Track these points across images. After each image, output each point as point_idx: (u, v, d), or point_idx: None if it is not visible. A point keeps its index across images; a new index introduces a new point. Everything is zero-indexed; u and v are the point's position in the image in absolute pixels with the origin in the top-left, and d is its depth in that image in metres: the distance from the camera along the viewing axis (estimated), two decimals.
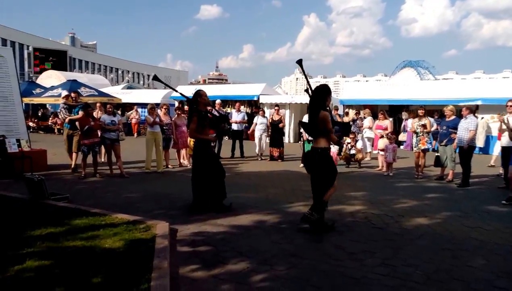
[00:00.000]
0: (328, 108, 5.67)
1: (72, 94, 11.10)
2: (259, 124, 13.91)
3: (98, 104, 11.22)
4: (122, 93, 27.66)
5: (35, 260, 4.19)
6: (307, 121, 5.95)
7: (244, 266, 4.39)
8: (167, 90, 27.12)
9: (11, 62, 11.16)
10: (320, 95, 5.60)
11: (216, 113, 7.79)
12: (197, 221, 6.12)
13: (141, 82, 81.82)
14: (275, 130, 13.37)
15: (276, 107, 14.24)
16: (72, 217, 5.93)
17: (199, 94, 6.80)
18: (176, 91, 7.92)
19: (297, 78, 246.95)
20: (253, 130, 14.09)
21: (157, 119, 10.79)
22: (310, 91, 5.82)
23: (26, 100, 23.59)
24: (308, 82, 6.22)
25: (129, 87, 33.42)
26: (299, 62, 6.16)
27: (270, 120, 13.66)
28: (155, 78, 7.49)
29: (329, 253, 4.87)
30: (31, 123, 24.56)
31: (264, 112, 14.98)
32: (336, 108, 14.49)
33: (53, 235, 5.09)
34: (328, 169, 5.65)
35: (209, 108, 7.28)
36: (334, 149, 11.24)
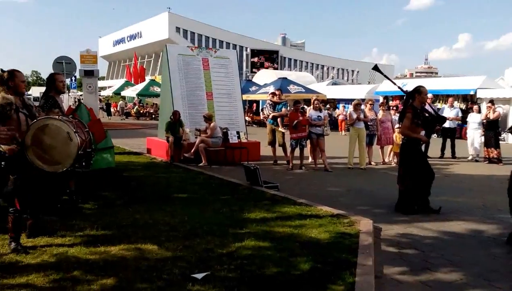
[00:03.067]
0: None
1: (276, 92, 11.85)
2: (471, 122, 12.50)
3: (314, 100, 11.19)
4: (327, 90, 28.45)
5: (252, 239, 4.69)
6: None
7: (457, 277, 4.01)
8: (371, 86, 26.75)
9: (235, 63, 12.69)
10: None
11: (432, 111, 7.19)
12: (402, 222, 5.88)
13: (345, 78, 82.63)
14: (490, 129, 11.78)
15: (489, 104, 12.44)
16: (282, 205, 6.42)
17: (418, 90, 6.42)
18: (395, 84, 7.69)
19: None
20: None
21: (361, 116, 10.73)
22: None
23: (244, 96, 26.41)
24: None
25: (334, 84, 34.15)
26: (375, 68, 5.61)
27: (484, 118, 12.11)
28: (376, 68, 7.38)
29: None
30: (247, 118, 27.42)
31: (479, 108, 13.34)
32: None
33: (265, 219, 5.60)
34: None
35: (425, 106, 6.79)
36: None
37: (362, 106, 11.53)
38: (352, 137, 10.80)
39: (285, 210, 6.15)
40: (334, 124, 24.13)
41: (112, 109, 38.38)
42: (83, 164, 4.25)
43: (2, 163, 4.04)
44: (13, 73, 4.16)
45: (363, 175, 9.98)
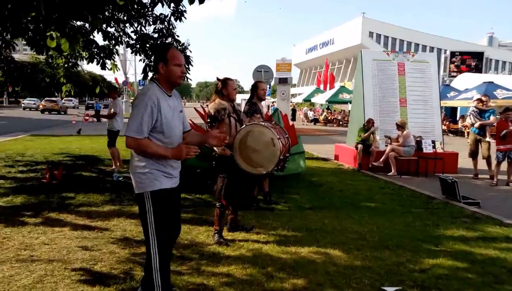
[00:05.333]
0: None
1: (483, 98, 10.54)
2: None
3: None
4: None
5: (448, 258, 4.31)
6: None
7: None
8: None
9: (434, 67, 11.84)
10: None
11: None
12: None
13: None
14: None
15: None
16: (484, 224, 5.76)
17: None
18: None
19: None
20: None
21: None
22: None
23: (441, 103, 24.46)
24: None
25: None
26: None
27: None
28: None
29: None
30: (443, 126, 25.33)
31: None
32: None
33: (464, 238, 5.08)
34: None
35: None
36: None
37: None
38: None
39: (489, 230, 5.48)
40: None
41: (301, 116, 40.25)
42: (279, 167, 4.52)
43: (213, 162, 4.60)
44: (226, 81, 4.66)
45: None
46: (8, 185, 7.23)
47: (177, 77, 2.84)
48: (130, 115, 2.70)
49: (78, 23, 8.32)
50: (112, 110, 8.88)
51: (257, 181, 6.19)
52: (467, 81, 29.27)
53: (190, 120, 5.11)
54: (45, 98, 44.02)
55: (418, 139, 10.28)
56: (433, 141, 10.33)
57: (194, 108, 6.48)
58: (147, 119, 2.67)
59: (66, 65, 11.32)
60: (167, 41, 9.26)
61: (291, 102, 37.04)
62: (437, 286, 3.64)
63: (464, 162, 10.96)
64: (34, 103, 47.41)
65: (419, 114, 11.29)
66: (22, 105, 49.35)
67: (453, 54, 39.14)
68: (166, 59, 2.78)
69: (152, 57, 9.57)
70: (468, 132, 23.60)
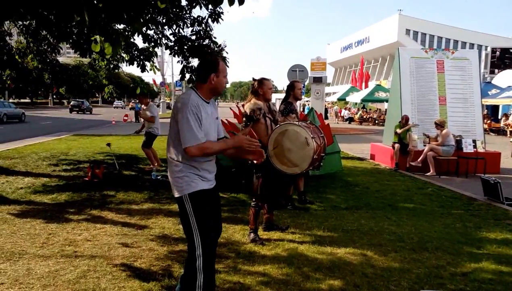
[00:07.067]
0: None
1: None
2: None
3: None
4: None
5: (491, 262, 4.18)
6: None
7: None
8: None
9: (476, 64, 11.43)
10: None
11: None
12: None
13: None
14: None
15: None
16: None
17: None
18: None
19: None
20: None
21: None
22: None
23: (482, 101, 23.65)
24: None
25: None
26: None
27: None
28: None
29: None
30: (484, 125, 24.48)
31: None
32: None
33: (509, 242, 4.91)
34: None
35: None
36: None
37: None
38: None
39: None
40: None
41: (333, 115, 40.02)
42: (315, 166, 4.50)
43: (249, 162, 4.62)
44: (262, 81, 4.67)
45: None
46: (53, 183, 7.53)
47: (223, 88, 2.97)
48: (181, 128, 2.71)
49: (120, 26, 8.55)
50: (149, 113, 8.92)
51: (292, 181, 6.18)
52: (509, 78, 28.12)
53: (226, 119, 5.15)
54: (132, 100, 57.62)
55: (458, 138, 9.98)
56: (474, 141, 10.00)
57: (230, 108, 6.53)
58: (198, 124, 2.71)
59: (108, 67, 11.65)
60: (204, 43, 9.36)
61: (325, 101, 36.73)
62: (481, 290, 3.54)
63: (507, 161, 10.58)
64: (121, 104, 68.53)
65: (459, 113, 10.96)
66: (114, 104, 68.37)
67: (494, 50, 37.58)
68: (218, 70, 2.85)
69: (192, 60, 9.69)
70: (511, 131, 22.81)
